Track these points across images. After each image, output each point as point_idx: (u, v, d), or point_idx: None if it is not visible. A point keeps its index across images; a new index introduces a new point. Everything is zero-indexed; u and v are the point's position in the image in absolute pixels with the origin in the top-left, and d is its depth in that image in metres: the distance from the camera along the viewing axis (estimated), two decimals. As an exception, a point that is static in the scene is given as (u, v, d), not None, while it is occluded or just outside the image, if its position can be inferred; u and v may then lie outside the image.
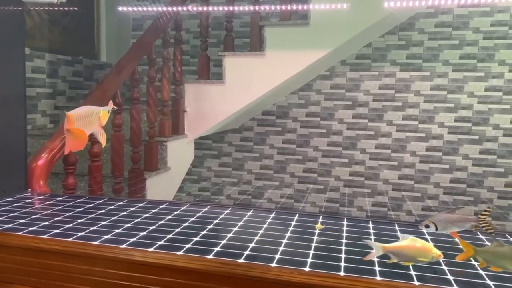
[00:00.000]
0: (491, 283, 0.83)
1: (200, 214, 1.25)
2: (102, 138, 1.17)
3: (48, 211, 1.25)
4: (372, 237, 1.07)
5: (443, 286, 0.80)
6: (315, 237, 1.05)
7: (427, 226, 0.96)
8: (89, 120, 1.12)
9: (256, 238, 1.04)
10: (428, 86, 3.25)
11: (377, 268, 0.87)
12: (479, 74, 3.16)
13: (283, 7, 2.71)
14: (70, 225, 1.11)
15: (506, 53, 3.10)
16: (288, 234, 1.08)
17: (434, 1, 2.03)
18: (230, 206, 1.34)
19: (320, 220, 1.21)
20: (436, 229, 0.95)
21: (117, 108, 1.19)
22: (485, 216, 0.93)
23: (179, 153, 2.84)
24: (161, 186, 2.61)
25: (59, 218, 1.18)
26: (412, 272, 0.86)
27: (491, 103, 3.16)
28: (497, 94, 3.14)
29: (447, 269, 0.89)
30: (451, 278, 0.84)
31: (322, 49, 2.71)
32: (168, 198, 2.79)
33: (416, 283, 0.81)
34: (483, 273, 0.87)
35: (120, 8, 3.24)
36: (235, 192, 3.65)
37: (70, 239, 0.99)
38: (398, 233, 1.10)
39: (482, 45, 3.14)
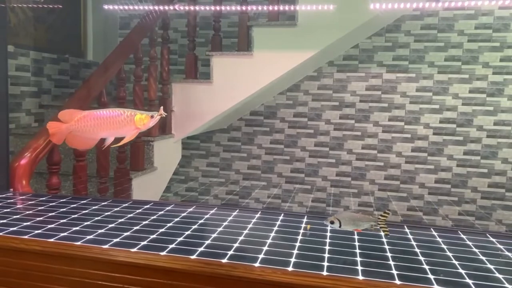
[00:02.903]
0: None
1: (185, 214, 1.24)
2: (125, 139, 1.18)
3: (30, 211, 1.23)
4: (356, 236, 1.08)
5: (426, 285, 0.81)
6: (299, 237, 1.05)
7: (332, 222, 1.03)
8: (111, 122, 1.14)
9: (241, 238, 1.04)
10: (414, 87, 3.29)
11: (359, 268, 0.88)
12: (463, 76, 3.21)
13: (271, 8, 2.72)
14: (52, 226, 1.09)
15: (490, 56, 3.16)
16: (272, 234, 1.08)
17: (419, 4, 2.06)
18: (216, 206, 1.34)
19: (305, 220, 1.21)
20: (340, 225, 1.03)
21: (165, 115, 1.21)
22: (384, 218, 1.01)
23: (166, 153, 2.82)
24: (147, 186, 2.59)
25: (41, 218, 1.16)
26: (394, 272, 0.86)
27: (475, 104, 3.21)
28: (481, 96, 3.20)
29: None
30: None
31: (309, 50, 2.72)
32: (155, 198, 2.77)
33: (398, 282, 0.82)
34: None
35: (106, 7, 3.20)
36: (223, 192, 3.65)
37: (52, 240, 0.98)
38: (381, 233, 1.11)
39: (466, 48, 3.19)
